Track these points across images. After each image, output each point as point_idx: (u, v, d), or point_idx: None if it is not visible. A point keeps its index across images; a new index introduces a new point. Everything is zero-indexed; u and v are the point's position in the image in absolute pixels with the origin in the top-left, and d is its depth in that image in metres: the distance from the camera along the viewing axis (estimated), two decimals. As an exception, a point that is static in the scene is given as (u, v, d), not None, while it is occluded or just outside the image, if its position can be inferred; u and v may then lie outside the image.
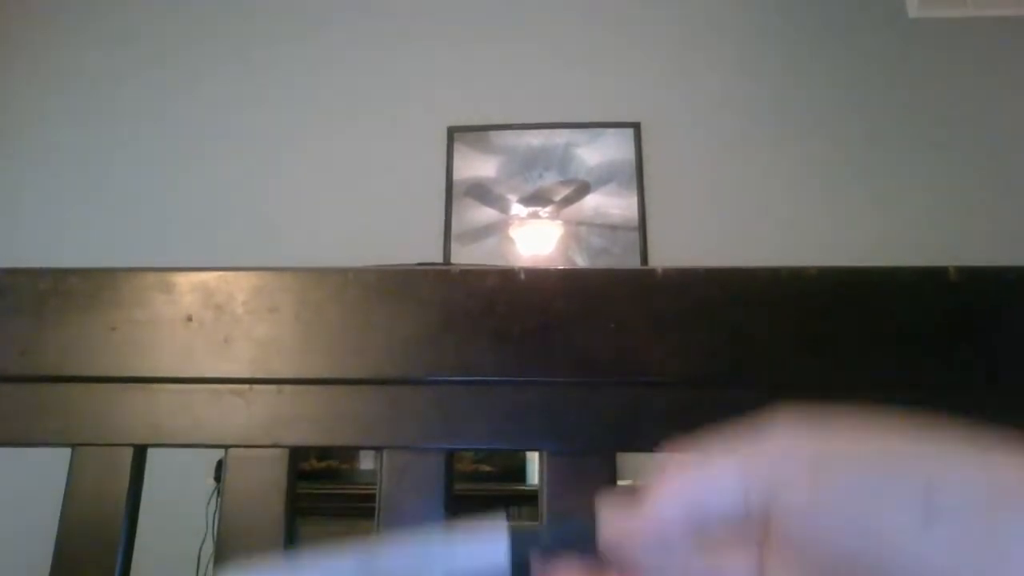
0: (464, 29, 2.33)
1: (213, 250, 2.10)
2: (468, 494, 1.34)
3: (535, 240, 2.15)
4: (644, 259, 2.07)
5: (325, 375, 0.42)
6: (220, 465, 0.43)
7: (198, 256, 2.09)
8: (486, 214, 2.15)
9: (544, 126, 2.21)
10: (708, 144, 2.18)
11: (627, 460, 0.46)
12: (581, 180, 2.17)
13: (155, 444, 0.43)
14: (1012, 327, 0.41)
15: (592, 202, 2.15)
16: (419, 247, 2.03)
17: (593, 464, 0.40)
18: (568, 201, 2.15)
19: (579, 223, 2.14)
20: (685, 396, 0.41)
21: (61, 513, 0.42)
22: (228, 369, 0.43)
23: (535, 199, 2.16)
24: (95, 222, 2.20)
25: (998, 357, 0.41)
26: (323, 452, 1.54)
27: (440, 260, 2.07)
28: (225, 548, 0.41)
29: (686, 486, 0.23)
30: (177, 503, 1.52)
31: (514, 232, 2.15)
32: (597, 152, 2.18)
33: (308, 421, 0.42)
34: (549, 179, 2.17)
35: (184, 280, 0.44)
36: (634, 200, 2.13)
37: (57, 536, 0.41)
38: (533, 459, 1.45)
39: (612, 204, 2.14)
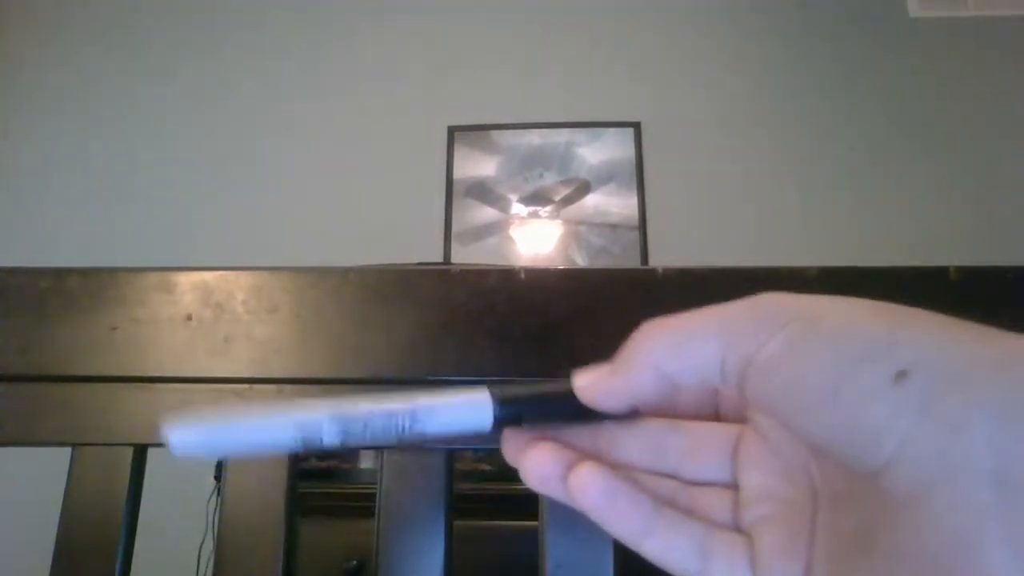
0: (464, 29, 2.33)
1: (213, 249, 2.10)
2: (468, 493, 1.34)
3: (535, 239, 2.15)
4: (644, 258, 2.07)
5: (325, 375, 0.42)
6: (220, 464, 0.43)
7: (198, 256, 2.10)
8: (486, 213, 2.15)
9: (544, 125, 2.21)
10: (708, 144, 2.18)
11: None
12: (581, 179, 2.17)
13: (155, 444, 0.43)
14: (1012, 327, 0.41)
15: (592, 201, 2.15)
16: (419, 247, 2.03)
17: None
18: (568, 200, 2.15)
19: (579, 222, 2.14)
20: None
21: (61, 512, 0.42)
22: (228, 369, 0.43)
23: (535, 198, 2.16)
24: (95, 222, 2.20)
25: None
26: (323, 452, 1.54)
27: (440, 260, 2.07)
28: (225, 548, 0.41)
29: (663, 337, 0.23)
30: (177, 502, 1.52)
31: (514, 231, 2.15)
32: (597, 152, 2.18)
33: (308, 421, 0.42)
34: (549, 178, 2.17)
35: (184, 280, 0.44)
36: (634, 200, 2.13)
37: (57, 535, 0.42)
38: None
39: (612, 203, 2.14)
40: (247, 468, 0.42)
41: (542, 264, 2.06)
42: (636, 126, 2.19)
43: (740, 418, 0.25)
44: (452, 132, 2.21)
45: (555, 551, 0.39)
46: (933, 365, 0.18)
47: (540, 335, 0.42)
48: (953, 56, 2.21)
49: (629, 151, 2.17)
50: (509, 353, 0.42)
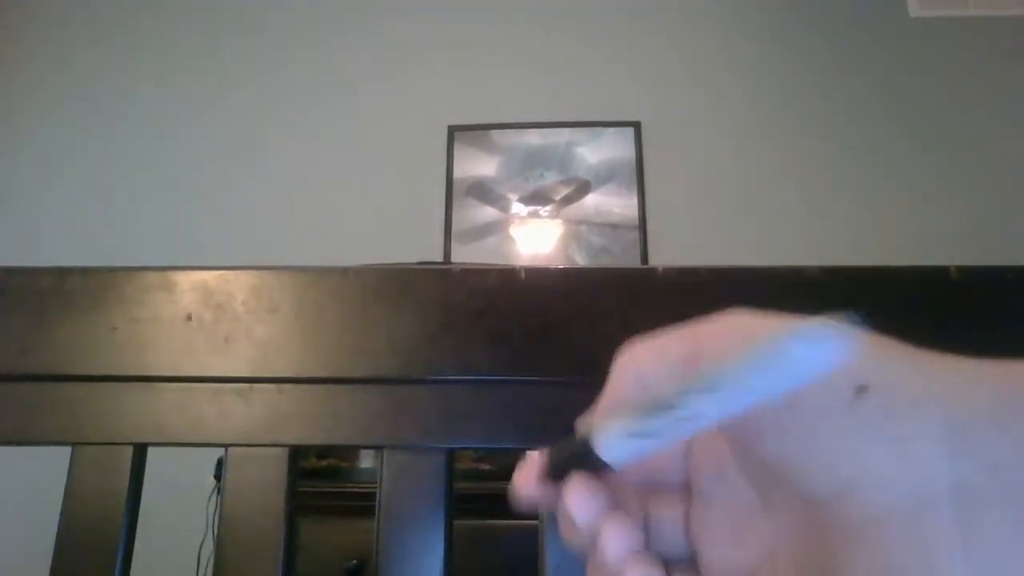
0: (464, 28, 2.33)
1: (213, 249, 2.10)
2: (468, 493, 1.34)
3: (535, 239, 2.15)
4: (644, 258, 2.07)
5: (325, 374, 0.42)
6: (220, 464, 0.43)
7: (198, 255, 2.10)
8: (486, 213, 2.15)
9: (544, 125, 2.21)
10: (708, 143, 2.18)
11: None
12: (581, 179, 2.17)
13: (155, 443, 0.43)
14: (1013, 327, 0.41)
15: (592, 201, 2.15)
16: (419, 246, 2.04)
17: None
18: (568, 200, 2.15)
19: (579, 222, 2.14)
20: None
21: (61, 512, 0.42)
22: (228, 368, 0.43)
23: (535, 198, 2.16)
24: (95, 222, 2.20)
25: (999, 357, 0.41)
26: (323, 451, 1.54)
27: (440, 259, 2.07)
28: (225, 547, 0.41)
29: (634, 358, 0.24)
30: (177, 502, 1.52)
31: (514, 231, 2.15)
32: (597, 151, 2.18)
33: (308, 420, 0.42)
34: (549, 178, 2.17)
35: (184, 279, 0.44)
36: (634, 199, 2.13)
37: (57, 534, 0.42)
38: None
39: (612, 203, 2.14)
40: (247, 468, 0.42)
41: (542, 264, 2.06)
42: (636, 126, 2.19)
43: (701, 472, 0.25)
44: (452, 132, 2.21)
45: (555, 551, 0.39)
46: (892, 382, 0.18)
47: (540, 335, 0.42)
48: (953, 56, 2.21)
49: (629, 151, 2.17)
50: (509, 352, 0.42)
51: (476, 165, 2.19)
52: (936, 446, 0.17)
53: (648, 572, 0.23)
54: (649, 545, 0.24)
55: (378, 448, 0.42)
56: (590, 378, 0.42)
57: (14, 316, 0.44)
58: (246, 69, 2.32)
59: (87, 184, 2.25)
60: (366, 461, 1.57)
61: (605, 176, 2.16)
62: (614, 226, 2.12)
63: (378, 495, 0.41)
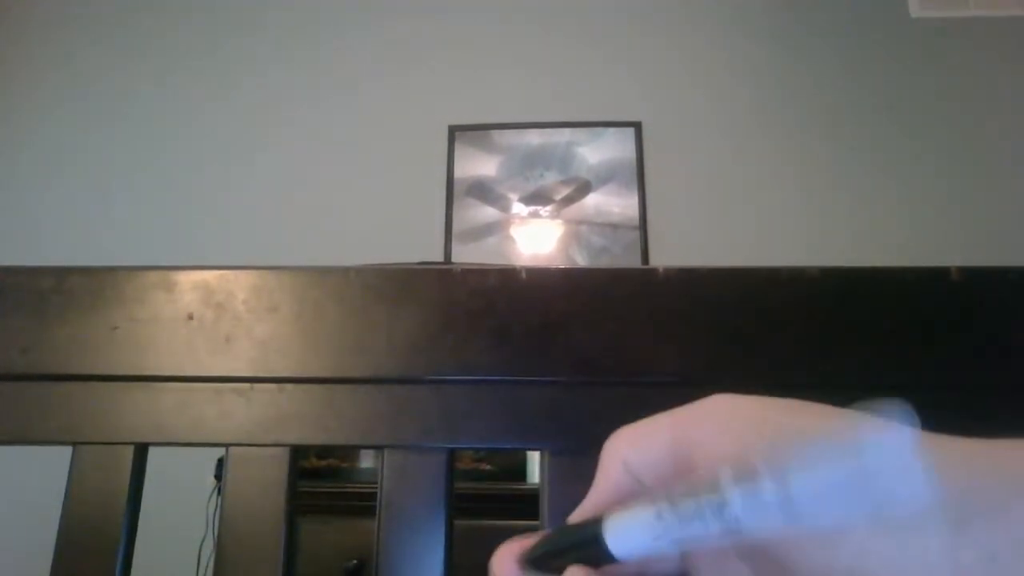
0: (465, 28, 2.33)
1: (214, 249, 2.10)
2: (468, 492, 1.34)
3: (536, 239, 2.15)
4: (645, 258, 2.07)
5: (326, 374, 0.42)
6: (221, 463, 0.43)
7: (199, 255, 2.10)
8: (487, 213, 2.15)
9: (545, 125, 2.21)
10: (709, 143, 2.18)
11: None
12: (582, 179, 2.17)
13: (156, 443, 0.43)
14: (1014, 327, 0.41)
15: (593, 201, 2.15)
16: (420, 246, 2.04)
17: (594, 464, 0.40)
18: (569, 200, 2.15)
19: (580, 222, 2.14)
20: (685, 396, 0.41)
21: (62, 511, 0.42)
22: (229, 368, 0.43)
23: (536, 198, 2.16)
24: (95, 221, 2.20)
25: (1000, 358, 0.41)
26: (323, 450, 1.54)
27: (441, 259, 2.07)
28: (225, 546, 0.41)
29: (627, 433, 0.24)
30: (177, 502, 1.52)
31: (515, 231, 2.15)
32: (598, 151, 2.18)
33: (309, 420, 0.42)
34: (550, 178, 2.17)
35: (185, 279, 0.44)
36: (635, 199, 2.13)
37: (58, 534, 0.42)
38: (533, 458, 1.45)
39: (613, 203, 2.14)
40: (247, 467, 0.42)
41: (543, 264, 2.06)
42: (636, 126, 2.19)
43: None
44: (453, 132, 2.21)
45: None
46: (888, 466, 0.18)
47: (540, 335, 0.42)
48: (953, 56, 2.21)
49: (629, 151, 2.17)
50: (510, 352, 0.42)
51: (477, 165, 2.19)
52: (934, 536, 0.17)
53: None
54: None
55: (378, 448, 0.42)
56: (590, 378, 0.42)
57: (14, 316, 0.44)
58: (246, 69, 2.32)
59: (87, 184, 2.25)
60: (366, 461, 1.57)
61: (605, 176, 2.16)
62: (614, 226, 2.12)
63: (378, 495, 0.41)
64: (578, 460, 0.41)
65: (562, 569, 0.23)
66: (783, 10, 2.28)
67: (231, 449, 0.42)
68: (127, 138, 2.28)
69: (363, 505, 1.29)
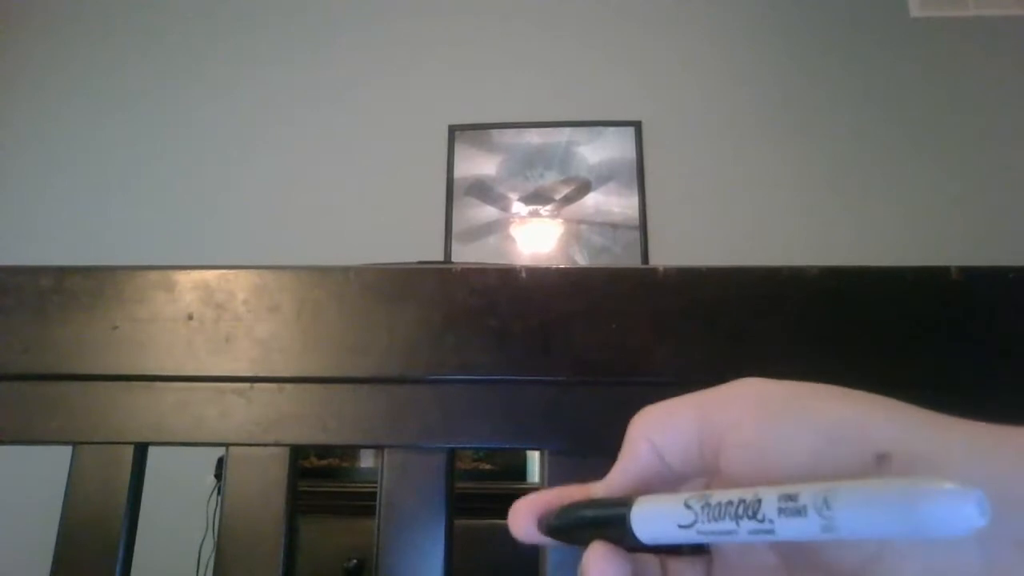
0: (465, 27, 2.33)
1: (214, 248, 2.10)
2: (468, 492, 1.34)
3: (536, 239, 2.15)
4: (645, 258, 2.07)
5: (326, 374, 0.42)
6: (221, 463, 0.43)
7: (199, 255, 2.10)
8: (487, 212, 2.15)
9: (545, 124, 2.21)
10: (709, 143, 2.18)
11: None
12: (582, 179, 2.17)
13: (156, 442, 0.43)
14: (1014, 327, 0.41)
15: (593, 201, 2.15)
16: (420, 246, 2.03)
17: (594, 463, 0.40)
18: (569, 200, 2.15)
19: (580, 222, 2.14)
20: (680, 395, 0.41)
21: (62, 511, 0.42)
22: (229, 368, 0.43)
23: (536, 197, 2.16)
24: (96, 221, 2.20)
25: (1000, 358, 0.41)
26: (323, 450, 1.54)
27: (441, 258, 2.07)
28: (226, 546, 0.41)
29: (653, 413, 0.24)
30: (177, 501, 1.52)
31: (515, 230, 2.15)
32: (598, 151, 2.18)
33: (309, 420, 0.42)
34: (550, 178, 2.17)
35: (185, 279, 0.44)
36: (635, 199, 2.13)
37: (58, 534, 0.42)
38: (533, 458, 1.45)
39: (613, 203, 2.14)
40: (248, 467, 0.42)
41: (543, 263, 2.06)
42: (636, 125, 2.19)
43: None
44: (453, 131, 2.21)
45: (555, 551, 0.39)
46: (911, 450, 0.18)
47: (541, 334, 0.42)
48: (953, 56, 2.21)
49: (629, 150, 2.17)
50: (510, 352, 0.42)
51: (476, 164, 2.19)
52: None
53: None
54: None
55: (378, 448, 0.42)
56: (590, 378, 0.42)
57: (15, 315, 0.44)
58: (246, 69, 2.32)
59: (87, 184, 2.25)
60: (366, 461, 1.57)
61: (605, 176, 2.16)
62: (614, 226, 2.12)
63: (379, 495, 0.41)
64: (578, 460, 0.41)
65: (582, 540, 0.24)
66: (783, 10, 2.28)
67: (231, 449, 0.42)
68: (127, 138, 2.28)
69: (363, 505, 1.28)
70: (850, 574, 0.19)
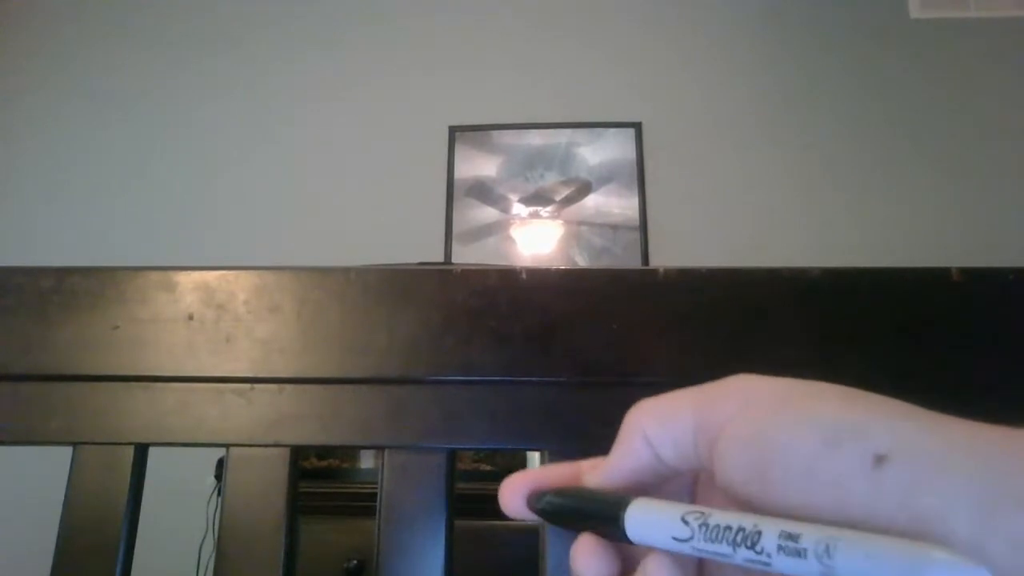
0: (465, 28, 2.33)
1: (214, 249, 2.10)
2: (468, 493, 1.34)
3: (536, 240, 2.15)
4: (645, 259, 2.07)
5: (326, 374, 0.43)
6: (221, 463, 0.43)
7: (199, 255, 2.10)
8: (487, 213, 2.15)
9: (545, 126, 2.21)
10: (709, 144, 2.18)
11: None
12: (582, 180, 2.17)
13: (156, 443, 0.43)
14: (1014, 327, 0.41)
15: (593, 202, 2.15)
16: (420, 247, 2.03)
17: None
18: (569, 201, 2.15)
19: (580, 223, 2.14)
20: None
21: (62, 511, 0.42)
22: (230, 368, 0.43)
23: (536, 199, 2.16)
24: (96, 221, 2.21)
25: (1000, 358, 0.41)
26: (324, 451, 1.54)
27: (441, 260, 2.07)
28: (226, 546, 0.41)
29: (649, 406, 0.24)
30: (177, 502, 1.52)
31: (515, 232, 2.15)
32: (598, 152, 2.18)
33: (309, 420, 0.42)
34: (550, 179, 2.17)
35: (186, 279, 0.44)
36: (635, 200, 2.13)
37: (58, 534, 0.42)
38: (533, 458, 1.45)
39: (613, 204, 2.14)
40: (248, 468, 0.42)
41: (543, 264, 2.06)
42: (636, 126, 2.19)
43: None
44: (453, 132, 2.21)
45: (555, 551, 0.39)
46: (911, 451, 0.18)
47: (541, 335, 0.42)
48: (953, 57, 2.21)
49: (630, 151, 2.17)
50: (510, 353, 0.42)
51: (477, 166, 2.19)
52: (959, 524, 0.17)
53: None
54: None
55: (379, 448, 0.42)
56: (590, 378, 0.42)
57: (15, 316, 0.44)
58: (247, 69, 2.32)
59: (87, 184, 2.25)
60: (366, 461, 1.57)
61: (606, 177, 2.16)
62: (615, 227, 2.12)
63: (379, 495, 0.41)
64: (578, 460, 0.41)
65: (571, 526, 0.24)
66: (783, 10, 2.28)
67: (231, 449, 0.42)
68: (128, 138, 2.28)
69: (363, 505, 1.28)
70: None
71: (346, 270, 0.44)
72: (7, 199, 2.25)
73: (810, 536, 0.17)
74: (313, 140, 2.24)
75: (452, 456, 0.42)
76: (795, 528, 0.17)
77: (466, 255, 2.09)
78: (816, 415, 0.19)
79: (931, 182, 2.10)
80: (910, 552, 0.15)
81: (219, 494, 0.43)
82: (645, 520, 0.21)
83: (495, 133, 2.21)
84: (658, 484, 0.25)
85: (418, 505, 0.41)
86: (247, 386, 0.43)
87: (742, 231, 2.08)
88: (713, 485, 0.23)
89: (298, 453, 0.43)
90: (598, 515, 0.23)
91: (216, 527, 0.43)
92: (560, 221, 2.15)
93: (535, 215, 2.16)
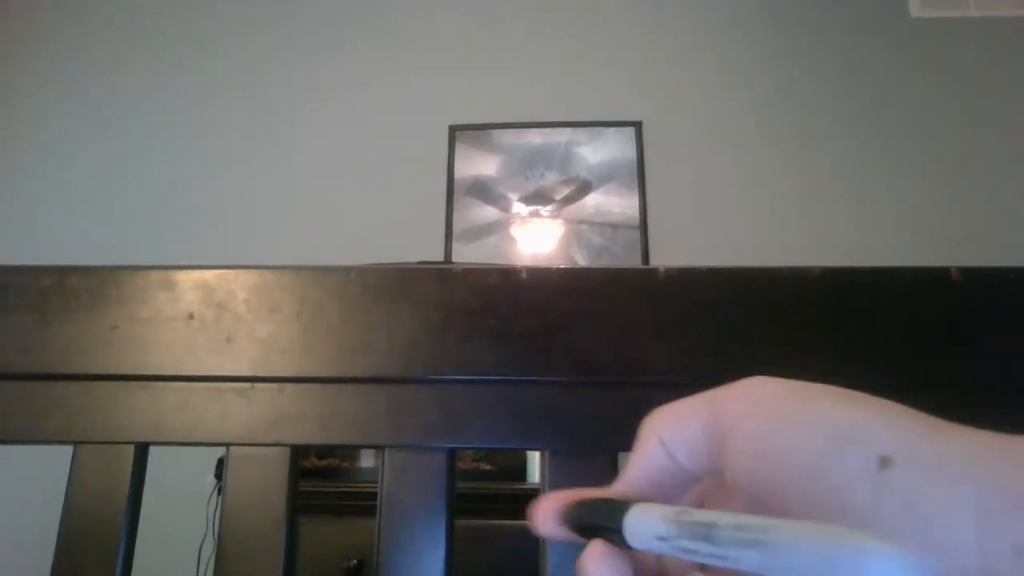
0: (465, 28, 2.33)
1: (214, 248, 2.10)
2: (468, 493, 1.34)
3: (536, 239, 2.15)
4: (645, 258, 2.07)
5: (326, 374, 0.42)
6: (221, 463, 0.43)
7: (199, 254, 2.10)
8: (487, 213, 2.15)
9: (545, 125, 2.21)
10: (709, 143, 2.18)
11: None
12: (582, 179, 2.17)
13: (157, 442, 0.43)
14: (1014, 327, 0.41)
15: (593, 201, 2.15)
16: (420, 246, 2.04)
17: (594, 464, 0.40)
18: (569, 200, 2.15)
19: (580, 222, 2.14)
20: (686, 396, 0.41)
21: (63, 511, 0.42)
22: (230, 367, 0.43)
23: (536, 198, 2.16)
24: (96, 221, 2.20)
25: (999, 358, 0.41)
26: (324, 450, 1.54)
27: (441, 259, 2.07)
28: (226, 546, 0.41)
29: (658, 424, 0.24)
30: (178, 501, 1.52)
31: (515, 231, 2.15)
32: (598, 151, 2.18)
33: (309, 420, 0.42)
34: (550, 178, 2.17)
35: (186, 278, 0.44)
36: (635, 199, 2.13)
37: (59, 533, 0.42)
38: (533, 458, 1.45)
39: (613, 203, 2.14)
40: (248, 467, 0.42)
41: (543, 263, 2.06)
42: (637, 126, 2.19)
43: None
44: (453, 131, 2.21)
45: (555, 551, 0.39)
46: (915, 455, 0.18)
47: (541, 335, 0.42)
48: (954, 56, 2.21)
49: (630, 151, 2.17)
50: (510, 352, 0.42)
51: (477, 165, 2.19)
52: (962, 528, 0.17)
53: None
54: None
55: (379, 448, 0.42)
56: (590, 378, 0.42)
57: (15, 315, 0.44)
58: (247, 69, 2.32)
59: (87, 184, 2.25)
60: (366, 461, 1.57)
61: (606, 176, 2.16)
62: (615, 226, 2.12)
63: (379, 495, 0.41)
64: (578, 460, 0.41)
65: (591, 537, 0.24)
66: (783, 10, 2.28)
67: (231, 449, 0.42)
68: (128, 138, 2.28)
69: (363, 505, 1.29)
70: None
71: (346, 269, 0.44)
72: (7, 199, 2.25)
73: (752, 524, 0.17)
74: (313, 140, 2.24)
75: (452, 455, 0.42)
76: (744, 519, 0.17)
77: (466, 254, 2.09)
78: (824, 416, 0.20)
79: (931, 182, 2.10)
80: (831, 538, 0.16)
81: (219, 493, 0.43)
82: (638, 523, 0.22)
83: (495, 132, 2.21)
84: (680, 490, 0.25)
85: (418, 505, 0.41)
86: (247, 385, 0.43)
87: (742, 231, 2.08)
88: (730, 489, 0.23)
89: (298, 452, 0.43)
90: (606, 522, 0.23)
91: (216, 526, 0.43)
92: (560, 220, 2.15)
93: (535, 214, 2.16)
